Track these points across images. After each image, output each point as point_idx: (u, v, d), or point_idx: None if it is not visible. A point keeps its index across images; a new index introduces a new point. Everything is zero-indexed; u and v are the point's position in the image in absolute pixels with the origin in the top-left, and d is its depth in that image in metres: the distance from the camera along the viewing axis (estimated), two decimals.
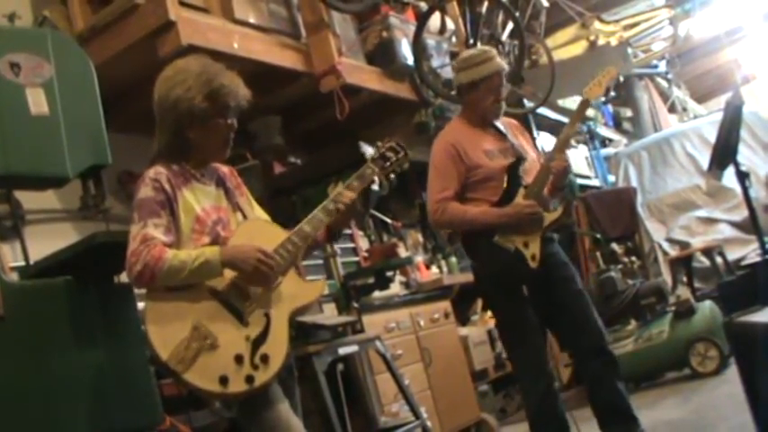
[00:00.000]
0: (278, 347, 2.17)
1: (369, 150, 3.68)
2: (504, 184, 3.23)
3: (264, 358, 2.13)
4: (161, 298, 2.13)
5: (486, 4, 5.41)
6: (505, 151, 3.32)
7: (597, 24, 7.39)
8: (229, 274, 2.19)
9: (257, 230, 2.34)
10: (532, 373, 3.25)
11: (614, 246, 6.79)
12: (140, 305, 2.43)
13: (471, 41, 5.42)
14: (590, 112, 8.65)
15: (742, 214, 6.92)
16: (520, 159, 3.27)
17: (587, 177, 8.05)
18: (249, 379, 2.09)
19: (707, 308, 5.12)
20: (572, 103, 8.20)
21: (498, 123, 3.41)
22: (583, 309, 3.29)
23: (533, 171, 3.27)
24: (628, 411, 3.23)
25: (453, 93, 5.12)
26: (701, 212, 7.62)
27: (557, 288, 3.28)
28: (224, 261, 2.16)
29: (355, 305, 4.16)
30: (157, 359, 2.06)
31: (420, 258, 6.08)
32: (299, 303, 2.30)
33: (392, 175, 2.67)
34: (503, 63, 3.37)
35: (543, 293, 3.27)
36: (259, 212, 2.50)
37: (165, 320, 2.10)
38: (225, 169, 2.47)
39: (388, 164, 2.63)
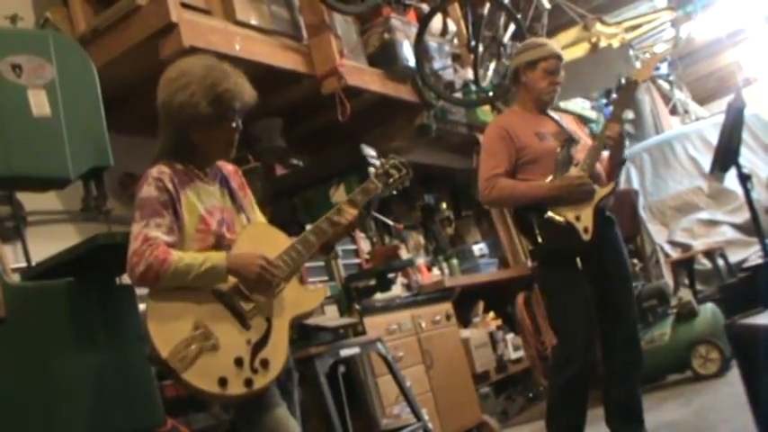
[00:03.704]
0: (278, 353, 2.18)
1: (370, 153, 3.69)
2: (555, 165, 3.23)
3: (264, 363, 2.14)
4: (164, 297, 2.13)
5: (487, 6, 5.41)
6: (558, 135, 3.33)
7: (599, 26, 7.38)
8: (233, 277, 2.20)
9: (261, 235, 2.34)
10: (567, 351, 3.19)
11: None
12: (141, 307, 2.43)
13: (473, 43, 5.43)
14: (591, 115, 8.66)
15: (744, 216, 6.91)
16: (571, 140, 3.29)
17: None
18: (248, 382, 2.09)
19: (708, 310, 5.11)
20: (574, 105, 8.21)
21: (552, 113, 3.44)
22: (628, 299, 3.32)
23: (586, 153, 3.29)
24: (638, 413, 3.25)
25: (458, 95, 5.13)
26: (703, 215, 7.60)
27: (607, 272, 3.27)
28: (229, 268, 2.16)
29: (357, 307, 4.16)
30: (157, 357, 2.05)
31: (421, 260, 6.09)
32: (301, 311, 2.31)
33: (394, 191, 2.72)
34: (562, 52, 3.42)
35: (594, 273, 3.23)
36: (258, 215, 2.49)
37: (166, 319, 2.09)
38: (229, 167, 2.47)
39: (391, 180, 2.66)
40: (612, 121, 3.29)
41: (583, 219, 3.17)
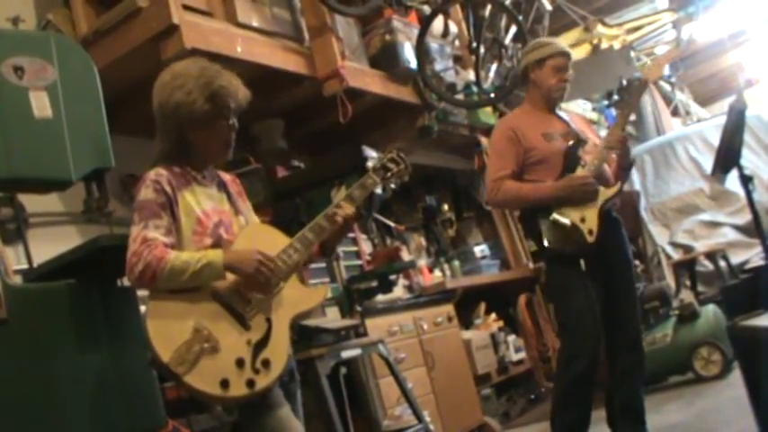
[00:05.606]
0: (279, 352, 2.17)
1: (372, 154, 3.69)
2: (562, 165, 3.25)
3: (266, 363, 2.13)
4: (163, 299, 2.13)
5: (489, 7, 5.41)
6: (566, 135, 3.35)
7: (600, 28, 7.39)
8: (232, 277, 2.19)
9: (259, 235, 2.34)
10: (574, 349, 3.20)
11: None
12: (143, 308, 2.43)
13: (474, 45, 5.43)
14: (593, 116, 8.66)
15: (745, 218, 6.91)
16: (579, 141, 3.31)
17: None
18: (250, 383, 2.09)
19: (710, 312, 5.11)
20: (575, 106, 8.21)
21: (561, 113, 3.46)
22: (630, 301, 3.34)
23: (593, 154, 3.30)
24: (641, 416, 3.25)
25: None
26: (705, 216, 7.60)
27: (613, 273, 3.29)
28: (226, 264, 2.16)
29: (358, 309, 4.17)
30: (158, 361, 2.04)
31: (423, 262, 6.08)
32: (301, 309, 2.30)
33: (393, 186, 2.68)
34: (569, 50, 3.45)
35: (599, 274, 3.23)
36: (255, 220, 2.49)
37: (166, 322, 2.09)
38: (227, 177, 2.48)
39: (390, 174, 2.60)
40: (615, 127, 3.32)
41: (588, 220, 3.19)
